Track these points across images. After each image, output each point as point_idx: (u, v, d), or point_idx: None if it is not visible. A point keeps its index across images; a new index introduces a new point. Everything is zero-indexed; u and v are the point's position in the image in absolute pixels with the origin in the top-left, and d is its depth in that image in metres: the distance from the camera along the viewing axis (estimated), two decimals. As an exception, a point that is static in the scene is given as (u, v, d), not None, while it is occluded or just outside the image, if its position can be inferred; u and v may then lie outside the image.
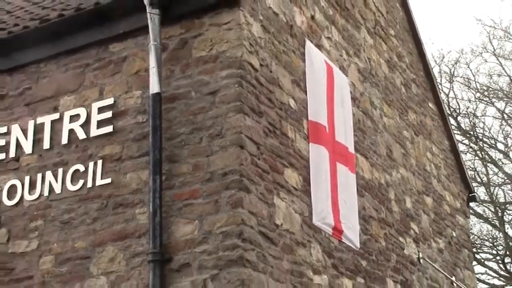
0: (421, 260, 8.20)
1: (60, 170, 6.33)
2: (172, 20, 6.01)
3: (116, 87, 6.25)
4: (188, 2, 6.01)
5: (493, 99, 16.51)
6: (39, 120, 6.59)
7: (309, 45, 6.76)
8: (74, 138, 6.35)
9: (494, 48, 16.68)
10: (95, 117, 6.27)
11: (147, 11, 5.85)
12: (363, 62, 7.98)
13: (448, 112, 12.08)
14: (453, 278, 8.83)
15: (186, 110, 5.76)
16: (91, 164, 6.15)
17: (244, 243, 5.32)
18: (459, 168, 10.41)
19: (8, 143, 6.65)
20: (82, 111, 6.36)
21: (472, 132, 16.52)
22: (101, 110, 6.27)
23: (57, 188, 6.28)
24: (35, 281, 6.11)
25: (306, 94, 6.49)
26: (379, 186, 7.70)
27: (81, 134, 6.30)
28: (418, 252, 8.21)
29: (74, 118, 6.40)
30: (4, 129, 6.71)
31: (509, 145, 16.28)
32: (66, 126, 6.43)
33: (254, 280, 5.29)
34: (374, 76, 8.21)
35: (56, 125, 6.47)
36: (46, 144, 6.51)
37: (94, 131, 6.23)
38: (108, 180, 6.03)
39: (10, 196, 6.49)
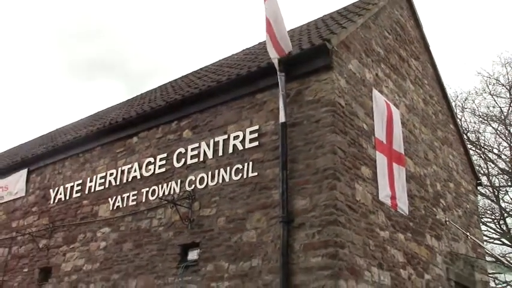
0: (447, 222, 7.99)
1: (228, 168, 6.52)
2: (292, 78, 6.24)
3: (260, 119, 6.49)
4: (301, 68, 6.19)
5: (490, 122, 16.34)
6: (216, 139, 6.81)
7: (375, 92, 6.79)
8: (236, 149, 6.57)
9: (490, 90, 16.58)
10: (248, 137, 6.47)
11: (278, 74, 6.07)
12: (408, 101, 7.95)
13: (462, 130, 11.83)
14: (468, 234, 8.54)
15: (301, 132, 6.04)
16: (245, 164, 6.35)
17: (337, 211, 5.47)
18: (470, 164, 10.09)
19: (199, 153, 6.89)
20: (241, 134, 6.58)
21: (477, 143, 16.42)
22: (251, 132, 6.47)
23: (227, 178, 6.45)
24: (214, 232, 6.32)
25: (373, 121, 6.44)
26: (419, 176, 7.62)
27: (240, 147, 6.52)
28: (445, 217, 8.01)
29: (235, 137, 6.61)
30: (197, 145, 6.98)
31: (501, 150, 16.20)
32: (231, 142, 6.62)
33: (343, 234, 5.47)
34: (415, 109, 8.15)
35: (225, 141, 6.71)
36: (220, 153, 6.70)
37: (247, 145, 6.45)
38: (256, 174, 6.21)
39: (201, 183, 6.73)
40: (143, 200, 7.22)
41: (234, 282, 5.80)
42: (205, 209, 6.47)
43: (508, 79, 17.42)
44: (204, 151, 6.79)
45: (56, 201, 8.63)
